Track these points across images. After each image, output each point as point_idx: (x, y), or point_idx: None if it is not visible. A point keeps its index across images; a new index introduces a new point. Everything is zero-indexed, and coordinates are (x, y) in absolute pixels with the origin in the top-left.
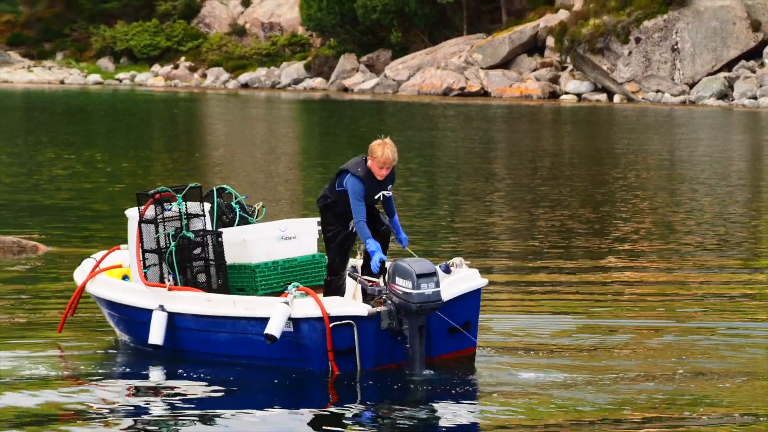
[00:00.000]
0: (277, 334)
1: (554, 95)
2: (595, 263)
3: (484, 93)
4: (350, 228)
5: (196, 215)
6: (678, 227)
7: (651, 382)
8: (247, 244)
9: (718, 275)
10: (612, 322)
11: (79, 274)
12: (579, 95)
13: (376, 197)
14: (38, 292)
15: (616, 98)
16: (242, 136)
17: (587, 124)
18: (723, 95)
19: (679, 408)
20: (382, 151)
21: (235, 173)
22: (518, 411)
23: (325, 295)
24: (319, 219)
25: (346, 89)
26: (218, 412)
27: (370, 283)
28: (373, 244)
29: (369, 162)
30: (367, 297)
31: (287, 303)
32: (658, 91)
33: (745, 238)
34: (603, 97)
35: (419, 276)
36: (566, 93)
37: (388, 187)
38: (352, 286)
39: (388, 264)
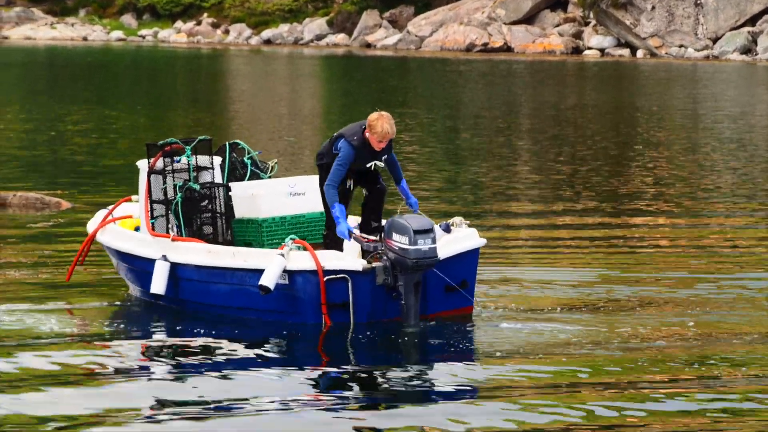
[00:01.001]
0: (270, 285)
1: (577, 51)
2: (614, 219)
3: (507, 49)
4: (347, 186)
5: (206, 168)
6: (700, 182)
7: (663, 339)
8: (256, 198)
9: (740, 230)
10: (626, 276)
11: (92, 224)
12: (602, 50)
13: (368, 165)
14: (59, 246)
15: (639, 53)
16: (263, 93)
17: (610, 79)
18: (746, 50)
19: (694, 365)
20: (381, 125)
21: (253, 129)
22: (515, 367)
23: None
24: None
25: (368, 45)
26: (214, 363)
27: (366, 240)
28: (338, 210)
29: (367, 134)
30: (365, 254)
31: (283, 255)
32: (681, 46)
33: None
34: (626, 52)
35: (416, 232)
36: (589, 48)
37: (382, 158)
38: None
39: (384, 222)
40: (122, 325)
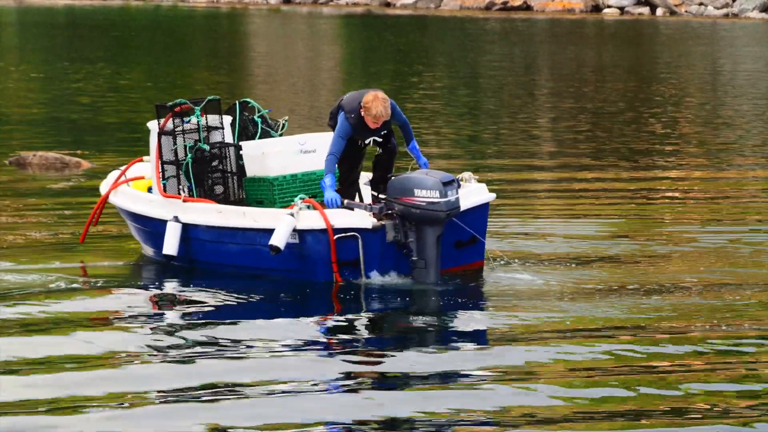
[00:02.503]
0: (281, 245)
1: (597, 9)
2: (631, 173)
3: (526, 7)
4: (360, 143)
5: (216, 128)
6: (718, 137)
7: (676, 291)
8: (267, 157)
9: (758, 182)
10: (643, 230)
11: (105, 186)
12: (621, 9)
13: (367, 141)
14: (78, 206)
15: (659, 12)
16: (280, 53)
17: (629, 37)
18: (766, 8)
19: (706, 319)
20: (375, 107)
21: (267, 89)
22: (528, 321)
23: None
24: None
25: (388, 4)
26: (225, 324)
27: (368, 204)
28: (329, 180)
29: (362, 112)
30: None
31: (293, 215)
32: (701, 4)
33: None
34: (646, 10)
35: (445, 184)
36: (609, 6)
37: (382, 133)
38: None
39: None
40: (131, 286)
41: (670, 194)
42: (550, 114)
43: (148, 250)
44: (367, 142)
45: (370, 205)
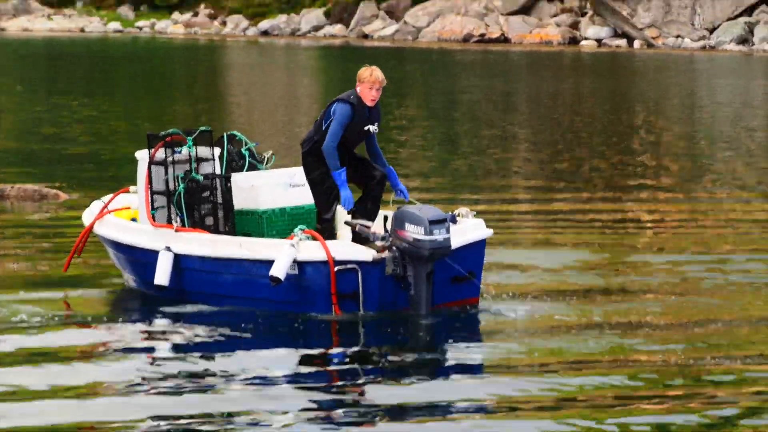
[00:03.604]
0: (281, 276)
1: (574, 41)
2: (613, 203)
3: (504, 39)
4: (357, 132)
5: (206, 159)
6: (695, 168)
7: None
8: (256, 189)
9: (734, 212)
10: (629, 262)
11: (88, 216)
12: (599, 41)
13: (365, 128)
14: (57, 238)
15: (636, 44)
16: (260, 84)
17: (607, 69)
18: (743, 40)
19: (695, 351)
20: (371, 71)
21: (249, 121)
22: (523, 354)
23: None
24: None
25: (366, 36)
26: (220, 354)
27: (373, 232)
28: (343, 174)
29: (358, 89)
30: (361, 241)
31: (293, 245)
32: (678, 36)
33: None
34: (623, 42)
35: (431, 222)
36: (586, 39)
37: (376, 123)
38: (347, 232)
39: (388, 213)
40: (122, 316)
41: (647, 223)
42: (527, 144)
43: (134, 281)
44: (366, 128)
45: (374, 233)
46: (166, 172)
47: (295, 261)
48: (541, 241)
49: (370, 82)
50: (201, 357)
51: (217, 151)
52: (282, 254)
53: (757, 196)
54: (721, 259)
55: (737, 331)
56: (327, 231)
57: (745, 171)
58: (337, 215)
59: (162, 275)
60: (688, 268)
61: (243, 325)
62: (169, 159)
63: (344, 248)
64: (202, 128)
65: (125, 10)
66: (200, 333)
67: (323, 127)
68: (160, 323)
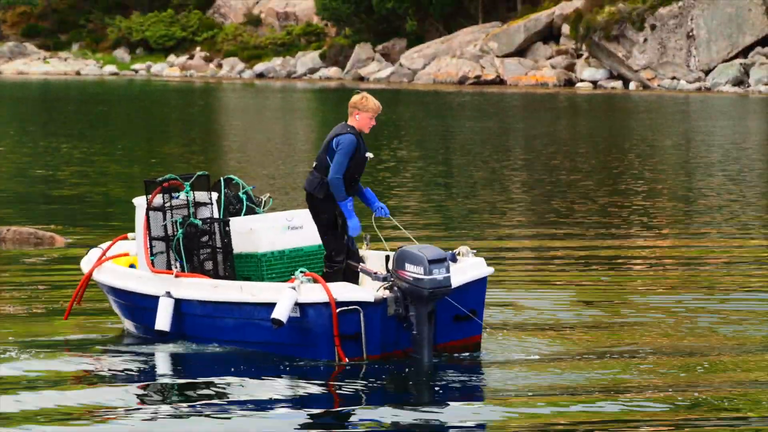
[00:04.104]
0: (283, 318)
1: (570, 83)
2: (610, 244)
3: (499, 81)
4: (357, 160)
5: (204, 204)
6: (693, 208)
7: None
8: (254, 233)
9: (729, 252)
10: (624, 300)
11: (86, 264)
12: (594, 83)
13: (367, 155)
14: (54, 282)
15: (632, 85)
16: (256, 127)
17: (603, 111)
18: (739, 82)
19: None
20: (371, 100)
21: (246, 163)
22: (527, 396)
23: None
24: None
25: (361, 78)
26: (222, 398)
27: (374, 273)
28: (350, 204)
29: (357, 117)
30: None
31: (294, 288)
32: (673, 78)
33: (761, 215)
34: (618, 84)
35: (431, 262)
36: (582, 80)
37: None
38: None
39: (390, 253)
40: (123, 363)
41: (642, 262)
42: (522, 184)
43: (132, 327)
44: (365, 156)
45: (375, 273)
46: (164, 218)
47: (296, 303)
48: (538, 279)
49: (373, 111)
50: (202, 401)
51: (214, 195)
52: (284, 297)
53: (751, 235)
54: (716, 297)
55: (733, 367)
56: (338, 273)
57: (740, 210)
58: (344, 259)
59: (163, 321)
60: (682, 306)
61: (244, 368)
62: (167, 204)
63: (346, 290)
64: (200, 173)
65: (121, 53)
66: (201, 377)
67: (328, 159)
68: (162, 369)
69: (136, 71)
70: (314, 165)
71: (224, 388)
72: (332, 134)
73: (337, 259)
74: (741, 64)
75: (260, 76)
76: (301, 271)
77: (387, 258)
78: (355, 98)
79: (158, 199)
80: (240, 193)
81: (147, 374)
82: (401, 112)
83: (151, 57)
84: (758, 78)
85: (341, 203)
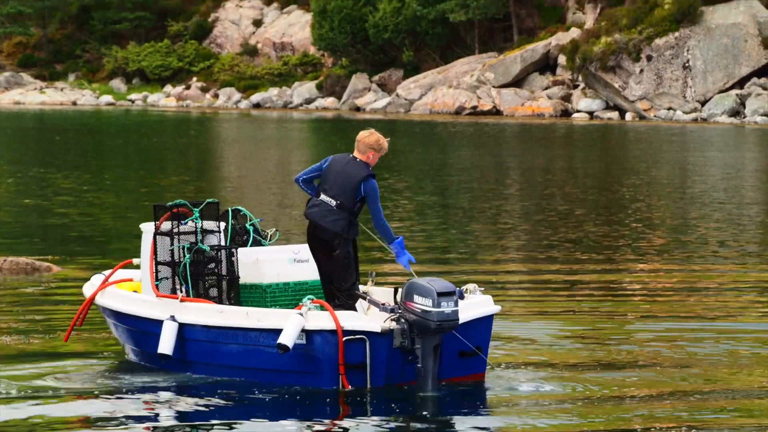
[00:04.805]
0: (290, 344)
1: (566, 113)
2: (609, 275)
3: (496, 112)
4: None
5: (212, 231)
6: (690, 240)
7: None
8: (260, 264)
9: (723, 280)
10: (624, 335)
11: (89, 288)
12: (591, 113)
13: None
14: (51, 311)
15: (628, 116)
16: (255, 157)
17: (600, 142)
18: (735, 112)
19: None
20: (384, 141)
21: (248, 195)
22: (529, 428)
23: None
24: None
25: (358, 109)
26: (225, 426)
27: (382, 304)
28: (401, 246)
29: (371, 157)
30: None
31: (301, 314)
32: (669, 108)
33: (758, 244)
34: (615, 114)
35: (440, 294)
36: (578, 111)
37: None
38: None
39: (398, 285)
40: (124, 387)
41: (641, 292)
42: (518, 215)
43: (133, 352)
44: None
45: (383, 304)
46: (172, 243)
47: (303, 330)
48: (539, 311)
49: (384, 151)
50: (204, 427)
51: (222, 224)
52: (290, 323)
53: (747, 264)
54: (714, 326)
55: (731, 398)
56: (348, 304)
57: (735, 240)
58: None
59: (166, 344)
60: (680, 335)
61: (247, 395)
62: (175, 230)
63: (353, 319)
64: (209, 200)
65: (117, 83)
66: (204, 404)
67: (355, 207)
68: (163, 394)
69: (133, 101)
70: (334, 202)
71: (224, 414)
72: (356, 176)
73: (353, 292)
74: (737, 94)
75: (257, 106)
76: (309, 298)
77: (395, 291)
78: (369, 138)
79: (166, 225)
80: (247, 225)
81: (147, 399)
82: (398, 142)
83: (147, 87)
84: (754, 109)
85: (392, 244)
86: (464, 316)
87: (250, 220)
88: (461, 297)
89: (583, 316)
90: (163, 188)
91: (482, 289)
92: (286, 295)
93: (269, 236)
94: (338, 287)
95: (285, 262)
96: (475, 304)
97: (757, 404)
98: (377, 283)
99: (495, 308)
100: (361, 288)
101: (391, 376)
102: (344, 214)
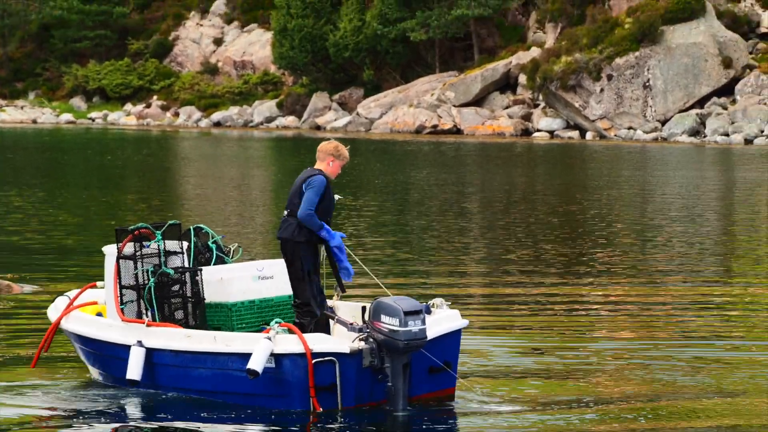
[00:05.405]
0: (259, 369)
1: (527, 132)
2: (569, 291)
3: (456, 131)
4: (326, 203)
5: (175, 252)
6: (647, 257)
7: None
8: (224, 282)
9: (683, 300)
10: (590, 349)
11: (53, 312)
12: (551, 132)
13: (335, 197)
14: (13, 331)
15: (589, 135)
16: (215, 175)
17: (560, 161)
18: (695, 132)
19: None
20: (345, 150)
21: (209, 213)
22: None
23: None
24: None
25: (318, 127)
26: None
27: (350, 323)
28: (326, 228)
29: (330, 164)
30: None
31: (270, 338)
32: (630, 128)
33: (715, 262)
34: (575, 134)
35: (407, 313)
36: (538, 130)
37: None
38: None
39: (366, 304)
40: (94, 413)
41: (599, 310)
42: (480, 232)
43: (100, 376)
44: (335, 197)
45: (351, 324)
46: (135, 266)
47: (272, 354)
48: (501, 326)
49: (345, 160)
50: None
51: (185, 244)
52: (259, 347)
53: (706, 281)
54: (674, 343)
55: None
56: (311, 322)
57: (696, 258)
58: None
59: (134, 370)
60: (638, 348)
61: (218, 415)
62: (138, 253)
63: (322, 341)
64: (171, 222)
65: (77, 102)
66: (173, 427)
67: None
68: (132, 419)
69: (93, 120)
70: (286, 212)
71: None
72: (302, 177)
73: (308, 307)
74: (697, 114)
75: (217, 124)
76: (277, 322)
77: (363, 309)
78: (328, 146)
79: (129, 248)
80: (209, 242)
81: (116, 423)
82: (358, 162)
83: (107, 105)
84: (714, 128)
85: (320, 232)
86: (432, 332)
87: (212, 238)
88: (428, 312)
89: (545, 330)
90: (118, 206)
91: (449, 303)
92: (252, 313)
93: (232, 252)
94: (294, 303)
95: (249, 279)
96: (442, 319)
97: (723, 418)
98: (342, 297)
99: (463, 322)
100: (328, 302)
101: (361, 396)
102: (293, 220)
